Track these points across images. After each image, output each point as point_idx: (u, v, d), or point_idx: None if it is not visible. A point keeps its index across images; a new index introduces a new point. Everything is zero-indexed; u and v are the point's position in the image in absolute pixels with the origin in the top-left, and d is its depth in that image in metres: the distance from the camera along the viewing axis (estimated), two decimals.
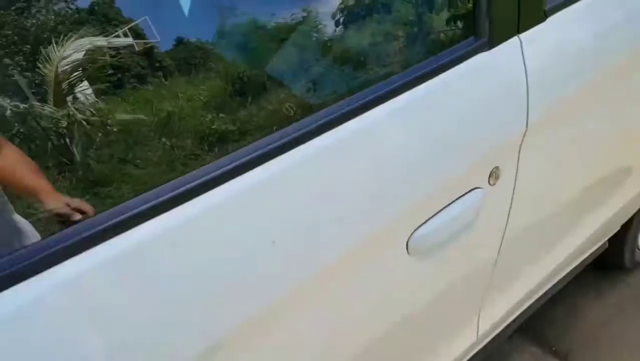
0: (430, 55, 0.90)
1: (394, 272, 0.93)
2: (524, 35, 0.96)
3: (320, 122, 0.78)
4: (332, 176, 0.78)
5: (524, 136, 0.99)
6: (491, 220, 1.05)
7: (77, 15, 0.71)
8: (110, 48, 0.73)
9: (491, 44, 0.92)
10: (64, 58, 0.69)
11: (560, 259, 1.31)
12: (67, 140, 0.69)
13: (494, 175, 0.99)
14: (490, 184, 0.99)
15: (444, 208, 0.93)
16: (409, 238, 0.90)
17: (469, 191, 0.96)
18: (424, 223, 0.91)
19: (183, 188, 0.67)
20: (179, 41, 0.78)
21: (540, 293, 1.44)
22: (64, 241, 0.61)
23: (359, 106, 0.81)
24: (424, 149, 0.87)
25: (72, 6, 0.71)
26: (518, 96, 0.96)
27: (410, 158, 0.86)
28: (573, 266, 1.46)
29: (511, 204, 1.06)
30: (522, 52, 0.95)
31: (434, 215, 0.92)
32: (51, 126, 0.68)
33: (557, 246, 1.29)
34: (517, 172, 1.03)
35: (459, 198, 0.95)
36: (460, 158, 0.92)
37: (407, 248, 0.91)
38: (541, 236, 1.22)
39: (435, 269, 1.00)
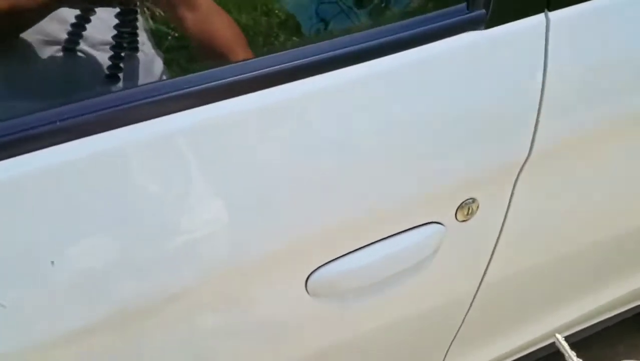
0: (393, 20, 0.59)
1: (291, 314, 0.68)
2: (557, 14, 0.62)
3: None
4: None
5: (522, 166, 0.67)
6: (459, 268, 0.75)
7: None
8: None
9: (493, 20, 0.59)
10: None
11: (564, 320, 0.98)
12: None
13: (465, 209, 0.68)
14: (458, 220, 0.69)
15: (374, 243, 0.65)
16: (310, 275, 0.64)
17: (420, 226, 0.67)
18: (336, 258, 0.64)
19: None
20: None
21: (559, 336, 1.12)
22: None
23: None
24: (353, 154, 0.58)
25: None
26: (524, 106, 0.63)
27: (329, 164, 0.58)
28: (598, 320, 1.13)
29: (493, 251, 0.75)
30: (547, 41, 0.61)
31: (353, 251, 0.64)
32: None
33: (562, 307, 0.96)
34: (507, 213, 0.72)
35: (400, 233, 0.66)
36: (414, 177, 0.63)
37: (306, 288, 0.65)
38: (539, 294, 0.90)
39: (357, 321, 0.73)
